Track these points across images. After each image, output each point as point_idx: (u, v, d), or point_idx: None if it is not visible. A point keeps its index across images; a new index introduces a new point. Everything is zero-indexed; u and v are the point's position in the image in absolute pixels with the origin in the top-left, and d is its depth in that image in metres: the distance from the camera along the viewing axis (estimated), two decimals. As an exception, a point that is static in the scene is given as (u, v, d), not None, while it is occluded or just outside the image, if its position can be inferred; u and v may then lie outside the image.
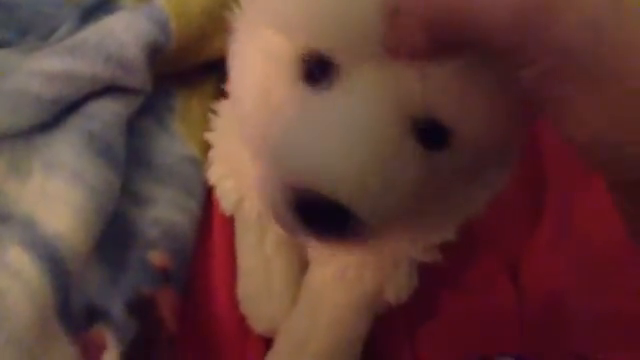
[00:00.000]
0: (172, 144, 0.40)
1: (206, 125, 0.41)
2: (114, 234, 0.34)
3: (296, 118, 0.22)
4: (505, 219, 0.41)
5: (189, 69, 0.42)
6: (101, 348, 0.30)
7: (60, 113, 0.35)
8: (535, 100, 0.18)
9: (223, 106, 0.34)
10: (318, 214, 0.21)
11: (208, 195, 0.40)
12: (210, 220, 0.39)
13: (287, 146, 0.22)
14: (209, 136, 0.36)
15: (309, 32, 0.22)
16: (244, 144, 0.29)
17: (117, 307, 0.32)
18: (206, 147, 0.40)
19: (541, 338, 0.37)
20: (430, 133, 0.22)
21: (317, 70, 0.22)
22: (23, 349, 0.27)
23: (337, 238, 0.22)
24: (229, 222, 0.38)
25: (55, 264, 0.29)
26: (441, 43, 0.19)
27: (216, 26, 0.40)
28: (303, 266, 0.35)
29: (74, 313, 0.30)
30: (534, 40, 0.16)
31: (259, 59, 0.24)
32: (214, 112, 0.34)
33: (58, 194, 0.32)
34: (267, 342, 0.36)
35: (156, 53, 0.38)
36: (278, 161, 0.22)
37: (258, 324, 0.36)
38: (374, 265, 0.32)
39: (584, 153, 0.17)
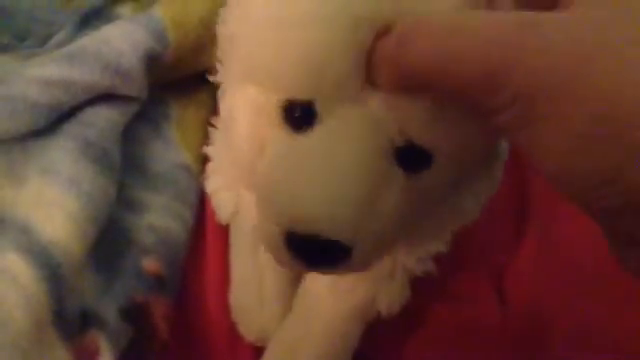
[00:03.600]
0: (167, 152, 0.41)
1: (201, 133, 0.42)
2: (109, 240, 0.34)
3: (281, 163, 0.23)
4: (490, 230, 0.41)
5: (185, 78, 0.43)
6: (95, 354, 0.30)
7: (57, 120, 0.35)
8: (506, 138, 0.19)
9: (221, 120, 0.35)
10: (314, 251, 0.22)
11: (201, 203, 0.40)
12: (203, 228, 0.40)
13: (275, 191, 0.23)
14: (208, 149, 0.36)
15: (284, 86, 0.23)
16: (241, 183, 0.29)
17: (111, 313, 0.32)
18: (201, 155, 0.41)
19: (524, 349, 0.38)
20: (412, 157, 0.23)
21: (299, 116, 0.23)
22: (19, 354, 0.27)
23: (333, 269, 0.23)
24: (222, 230, 0.38)
25: (51, 270, 0.30)
26: (413, 87, 0.21)
27: (213, 37, 0.40)
28: (296, 277, 0.36)
29: (69, 319, 0.30)
30: (499, 91, 0.17)
31: (245, 110, 0.25)
32: (213, 126, 0.35)
33: (54, 200, 0.32)
34: (257, 351, 0.36)
35: (153, 62, 0.38)
36: (268, 207, 0.23)
37: (249, 333, 0.36)
38: (368, 276, 0.32)
39: (555, 184, 0.18)
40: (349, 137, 0.22)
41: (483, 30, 0.18)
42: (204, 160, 0.40)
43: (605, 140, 0.16)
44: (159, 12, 0.39)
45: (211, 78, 0.28)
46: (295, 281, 0.36)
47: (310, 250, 0.22)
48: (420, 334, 0.38)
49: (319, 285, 0.34)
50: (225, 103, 0.28)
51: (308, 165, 0.22)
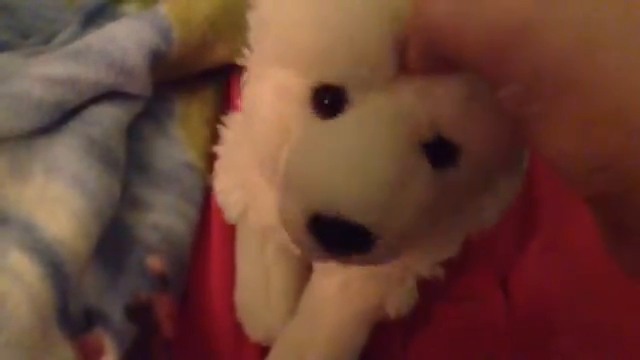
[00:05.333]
0: (172, 149, 0.40)
1: (206, 131, 0.42)
2: (113, 238, 0.34)
3: (310, 146, 0.23)
4: (497, 230, 0.41)
5: (190, 75, 0.43)
6: (99, 352, 0.30)
7: (61, 117, 0.35)
8: (512, 118, 0.19)
9: (232, 119, 0.35)
10: (337, 236, 0.22)
11: (206, 201, 0.40)
12: (208, 227, 0.39)
13: (304, 173, 0.22)
14: (217, 149, 0.36)
15: (319, 68, 0.23)
16: (261, 174, 0.29)
17: (115, 311, 0.32)
18: (205, 153, 0.41)
19: (529, 349, 0.38)
20: (439, 152, 0.23)
21: (328, 101, 0.23)
22: (23, 352, 0.27)
23: (356, 257, 0.23)
24: (227, 229, 0.38)
25: (55, 268, 0.30)
26: (434, 61, 0.20)
27: (218, 35, 0.40)
28: (302, 277, 0.36)
29: (73, 317, 0.30)
30: (506, 62, 0.17)
31: (271, 95, 0.25)
32: (222, 123, 0.35)
33: (58, 198, 0.32)
34: (262, 350, 0.36)
35: (158, 60, 0.38)
36: (295, 189, 0.23)
37: (254, 332, 0.36)
38: (378, 279, 0.32)
39: (554, 166, 0.18)
40: (379, 124, 0.22)
41: None
42: (209, 158, 0.40)
43: (605, 125, 0.16)
44: (164, 9, 0.39)
45: (239, 61, 0.28)
46: (302, 281, 0.36)
47: (334, 234, 0.22)
48: (425, 334, 0.38)
49: (328, 285, 0.33)
50: (249, 90, 0.27)
51: (337, 148, 0.22)
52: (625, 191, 0.16)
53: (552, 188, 0.42)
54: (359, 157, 0.21)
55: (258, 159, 0.28)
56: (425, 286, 0.33)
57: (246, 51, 0.27)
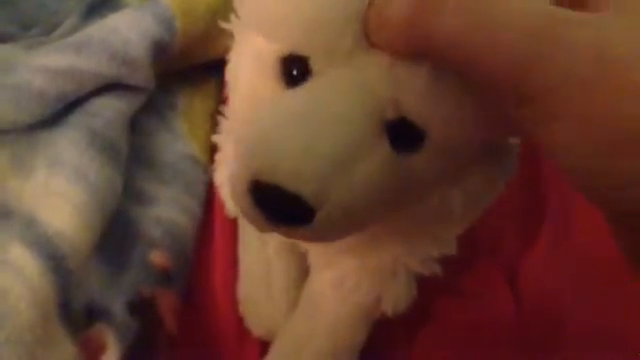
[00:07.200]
0: (174, 142, 0.40)
1: (209, 124, 0.42)
2: (116, 232, 0.34)
3: (266, 113, 0.23)
4: (504, 226, 0.41)
5: (193, 68, 0.42)
6: (101, 348, 0.30)
7: (63, 110, 0.35)
8: (526, 132, 0.18)
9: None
10: (275, 204, 0.21)
11: (209, 195, 0.40)
12: (211, 221, 0.39)
13: (249, 138, 0.22)
14: (216, 138, 0.35)
15: (286, 37, 0.22)
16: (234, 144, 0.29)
17: (118, 306, 0.32)
18: (208, 146, 0.41)
19: (536, 347, 0.37)
20: (403, 134, 0.22)
21: (296, 72, 0.23)
22: (24, 348, 0.27)
23: (294, 229, 0.22)
24: (230, 223, 0.38)
25: (57, 262, 0.29)
26: (416, 54, 0.20)
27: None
28: (304, 271, 0.35)
29: (75, 312, 0.30)
30: (526, 83, 0.17)
31: (248, 62, 0.25)
32: (222, 114, 0.34)
33: (60, 191, 0.32)
34: (264, 345, 0.36)
35: (160, 51, 0.38)
36: (241, 153, 0.22)
37: (256, 327, 0.36)
38: (372, 274, 0.32)
39: (574, 183, 0.18)
40: (334, 94, 0.21)
41: (515, 17, 0.17)
42: (212, 152, 0.40)
43: (630, 143, 0.16)
44: (167, 0, 0.39)
45: (224, 25, 0.28)
46: (304, 275, 0.35)
47: (272, 202, 0.21)
48: (431, 330, 0.37)
49: (323, 281, 0.33)
50: (232, 59, 0.27)
51: (285, 116, 0.21)
52: None
53: (559, 185, 0.42)
54: (303, 126, 0.21)
55: (231, 127, 0.28)
56: (429, 283, 0.33)
57: (233, 17, 0.27)
